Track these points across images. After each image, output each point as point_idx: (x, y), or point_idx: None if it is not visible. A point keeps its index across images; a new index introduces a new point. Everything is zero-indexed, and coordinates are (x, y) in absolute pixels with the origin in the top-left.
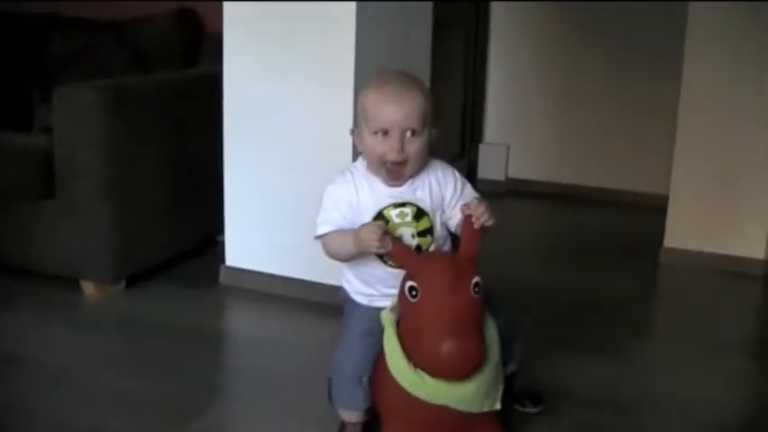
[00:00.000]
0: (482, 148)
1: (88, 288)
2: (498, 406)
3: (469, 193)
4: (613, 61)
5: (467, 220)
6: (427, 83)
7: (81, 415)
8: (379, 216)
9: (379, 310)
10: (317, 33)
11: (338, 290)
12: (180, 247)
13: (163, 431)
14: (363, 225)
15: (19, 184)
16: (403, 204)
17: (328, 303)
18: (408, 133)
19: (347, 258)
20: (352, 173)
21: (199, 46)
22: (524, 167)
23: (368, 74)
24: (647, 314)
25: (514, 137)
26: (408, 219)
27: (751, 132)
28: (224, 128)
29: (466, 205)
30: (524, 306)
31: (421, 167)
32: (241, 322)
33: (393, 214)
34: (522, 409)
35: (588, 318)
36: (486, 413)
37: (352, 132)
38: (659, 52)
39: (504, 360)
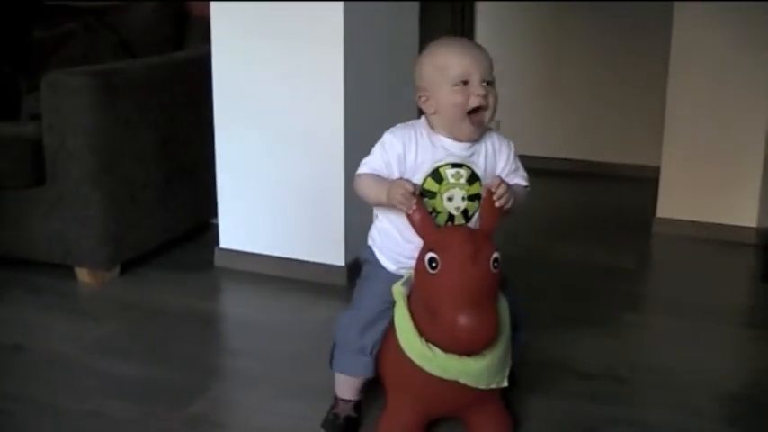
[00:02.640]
0: None
1: (83, 275)
2: (505, 383)
3: (520, 170)
4: (603, 34)
5: (489, 196)
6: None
7: (80, 400)
8: (435, 172)
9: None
10: (306, 16)
11: (334, 269)
12: (174, 232)
13: (162, 414)
14: (400, 179)
15: (9, 173)
16: (460, 165)
17: (323, 282)
18: (485, 83)
19: (373, 203)
20: (414, 127)
21: (185, 29)
22: (515, 143)
23: (357, 55)
24: (642, 285)
25: (504, 112)
26: (462, 181)
27: (742, 101)
28: (214, 111)
29: (489, 183)
30: (517, 280)
31: (488, 125)
32: (237, 304)
33: (449, 173)
34: None
35: (582, 290)
36: (491, 389)
37: (419, 99)
38: (649, 24)
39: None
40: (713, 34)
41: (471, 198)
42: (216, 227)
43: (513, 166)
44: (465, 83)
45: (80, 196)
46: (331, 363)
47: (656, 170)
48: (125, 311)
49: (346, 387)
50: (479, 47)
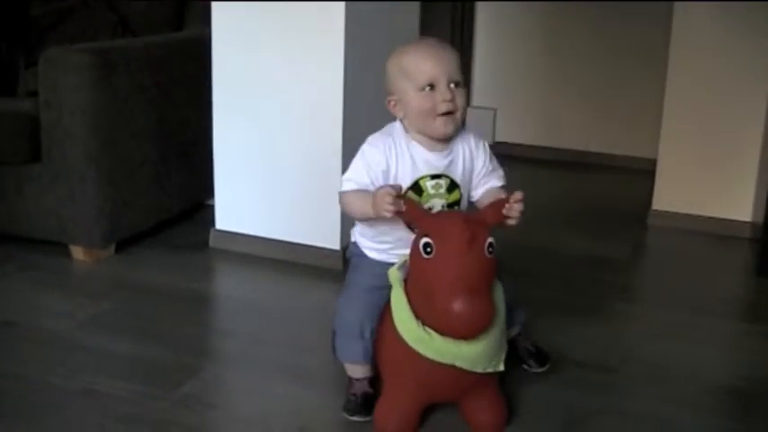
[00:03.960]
0: (469, 112)
1: (78, 253)
2: (501, 367)
3: (497, 170)
4: (601, 24)
5: (501, 203)
6: None
7: (73, 378)
8: (416, 185)
9: (390, 265)
10: (307, 12)
11: (330, 252)
12: (169, 211)
13: (155, 394)
14: (378, 189)
15: (5, 149)
16: (439, 176)
17: (319, 266)
18: (452, 85)
19: (362, 219)
20: (392, 136)
21: (184, 10)
22: (512, 131)
23: (356, 36)
24: (636, 277)
25: (501, 101)
26: (442, 191)
27: (739, 96)
28: (213, 92)
29: (509, 194)
30: (513, 270)
31: (460, 127)
32: (232, 285)
33: (429, 185)
34: (529, 370)
35: (577, 281)
36: (488, 373)
37: (389, 103)
38: (648, 17)
39: (507, 325)
40: (713, 28)
41: (450, 206)
42: (212, 208)
43: (490, 167)
44: (432, 87)
45: (76, 174)
46: (334, 352)
47: (653, 162)
48: (119, 290)
49: (357, 367)
50: (446, 47)
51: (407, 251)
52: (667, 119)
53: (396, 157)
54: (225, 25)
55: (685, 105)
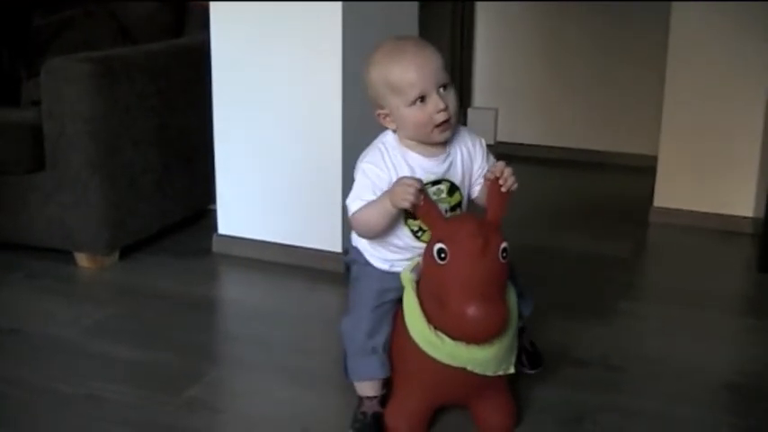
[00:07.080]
0: (470, 113)
1: (82, 260)
2: (512, 370)
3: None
4: (602, 23)
5: (494, 184)
6: None
7: (78, 384)
8: None
9: (395, 274)
10: (305, 14)
11: (331, 255)
12: (172, 217)
13: (159, 398)
14: (400, 178)
15: (9, 159)
16: (439, 182)
17: (321, 269)
18: (442, 89)
19: (381, 225)
20: (387, 150)
21: (183, 16)
22: (513, 131)
23: (355, 38)
24: (638, 274)
25: (503, 101)
26: (443, 195)
27: (739, 91)
28: (213, 97)
29: (491, 171)
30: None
31: (456, 123)
32: (235, 290)
33: (430, 192)
34: (521, 368)
35: (578, 279)
36: (498, 376)
37: (379, 116)
38: (648, 14)
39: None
40: (712, 24)
41: (453, 208)
42: (214, 213)
43: (487, 164)
44: (422, 98)
45: (79, 182)
46: (346, 373)
47: (654, 159)
48: (123, 296)
49: (367, 387)
50: (426, 49)
51: (409, 257)
52: (667, 116)
53: (395, 169)
54: (224, 30)
55: (685, 102)
